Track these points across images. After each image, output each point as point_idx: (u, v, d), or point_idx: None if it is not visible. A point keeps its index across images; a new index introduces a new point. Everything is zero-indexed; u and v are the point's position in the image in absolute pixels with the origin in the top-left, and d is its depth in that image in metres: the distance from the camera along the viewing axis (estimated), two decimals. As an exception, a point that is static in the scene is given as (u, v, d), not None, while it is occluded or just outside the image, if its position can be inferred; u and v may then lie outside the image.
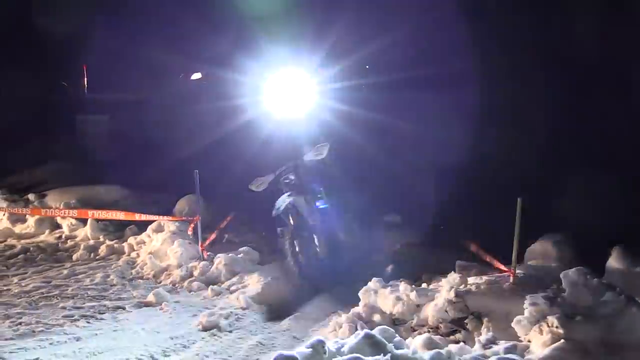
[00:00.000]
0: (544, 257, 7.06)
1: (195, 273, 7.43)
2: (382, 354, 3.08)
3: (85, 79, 22.68)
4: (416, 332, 5.61)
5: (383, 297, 6.12)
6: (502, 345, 5.07)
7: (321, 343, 3.27)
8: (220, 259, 7.47)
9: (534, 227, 6.89)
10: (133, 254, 8.33)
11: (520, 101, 12.13)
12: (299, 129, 7.11)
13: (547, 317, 5.01)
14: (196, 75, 21.90)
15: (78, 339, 5.65)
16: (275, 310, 6.51)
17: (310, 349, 3.15)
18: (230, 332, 5.90)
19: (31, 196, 10.75)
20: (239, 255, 7.59)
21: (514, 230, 6.40)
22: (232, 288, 7.00)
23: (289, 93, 6.96)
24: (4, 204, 10.26)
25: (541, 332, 4.95)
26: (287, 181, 6.94)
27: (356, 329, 5.63)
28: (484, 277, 6.45)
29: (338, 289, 6.95)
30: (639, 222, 7.22)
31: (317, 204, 7.12)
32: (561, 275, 5.45)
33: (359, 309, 6.10)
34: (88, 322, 6.12)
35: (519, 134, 10.98)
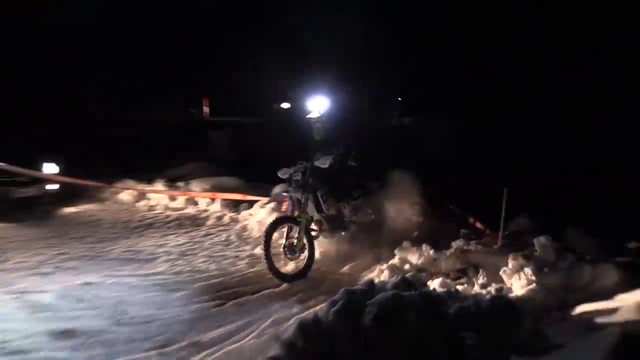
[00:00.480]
0: (523, 228, 6.96)
1: (286, 235, 7.51)
2: (413, 290, 3.10)
3: (206, 107, 23.58)
4: (434, 277, 5.59)
5: (411, 253, 6.12)
6: (493, 287, 5.03)
7: (372, 281, 3.31)
8: (303, 226, 7.51)
9: (516, 207, 6.81)
10: (245, 222, 8.47)
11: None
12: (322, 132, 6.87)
13: (524, 268, 4.95)
14: (285, 105, 22.33)
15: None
16: (340, 261, 6.55)
17: (365, 286, 3.20)
18: (311, 275, 6.01)
19: (180, 183, 11.04)
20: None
21: (502, 208, 6.35)
22: (311, 246, 7.04)
23: (316, 109, 6.85)
24: (165, 188, 10.58)
25: (520, 278, 4.89)
26: (296, 178, 6.31)
27: (393, 275, 5.66)
28: (480, 241, 6.40)
29: (379, 248, 6.92)
30: (586, 206, 7.09)
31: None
32: (534, 240, 5.37)
33: (395, 261, 6.10)
34: (218, 265, 6.32)
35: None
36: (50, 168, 9.67)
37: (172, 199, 10.11)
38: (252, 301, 5.18)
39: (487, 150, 11.14)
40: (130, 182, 10.97)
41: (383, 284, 3.26)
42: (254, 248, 7.04)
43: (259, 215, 8.39)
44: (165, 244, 7.27)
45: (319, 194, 6.38)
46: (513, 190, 6.36)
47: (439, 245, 6.35)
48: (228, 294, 5.28)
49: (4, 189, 8.85)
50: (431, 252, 6.04)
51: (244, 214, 8.83)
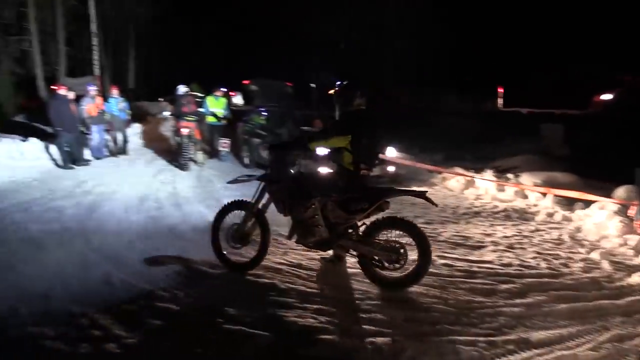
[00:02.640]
0: None
1: (630, 243, 6.48)
2: None
3: (501, 99, 23.66)
4: None
5: None
6: None
7: None
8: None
9: None
10: (580, 223, 7.64)
11: None
12: None
13: None
14: (607, 96, 20.97)
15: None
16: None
17: None
18: None
19: (510, 175, 10.70)
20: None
21: None
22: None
23: None
24: (494, 179, 10.35)
25: None
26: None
27: None
28: None
29: None
30: None
31: None
32: None
33: None
34: (548, 263, 5.81)
35: None
36: (391, 152, 10.52)
37: (500, 189, 9.84)
38: (587, 309, 4.67)
39: None
40: (458, 170, 11.12)
41: None
42: (589, 252, 6.30)
43: (597, 217, 7.47)
44: (493, 233, 7.08)
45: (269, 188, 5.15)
46: None
47: None
48: (559, 296, 4.86)
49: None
50: None
51: (579, 213, 7.97)
